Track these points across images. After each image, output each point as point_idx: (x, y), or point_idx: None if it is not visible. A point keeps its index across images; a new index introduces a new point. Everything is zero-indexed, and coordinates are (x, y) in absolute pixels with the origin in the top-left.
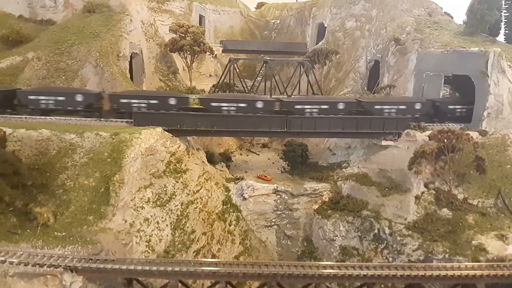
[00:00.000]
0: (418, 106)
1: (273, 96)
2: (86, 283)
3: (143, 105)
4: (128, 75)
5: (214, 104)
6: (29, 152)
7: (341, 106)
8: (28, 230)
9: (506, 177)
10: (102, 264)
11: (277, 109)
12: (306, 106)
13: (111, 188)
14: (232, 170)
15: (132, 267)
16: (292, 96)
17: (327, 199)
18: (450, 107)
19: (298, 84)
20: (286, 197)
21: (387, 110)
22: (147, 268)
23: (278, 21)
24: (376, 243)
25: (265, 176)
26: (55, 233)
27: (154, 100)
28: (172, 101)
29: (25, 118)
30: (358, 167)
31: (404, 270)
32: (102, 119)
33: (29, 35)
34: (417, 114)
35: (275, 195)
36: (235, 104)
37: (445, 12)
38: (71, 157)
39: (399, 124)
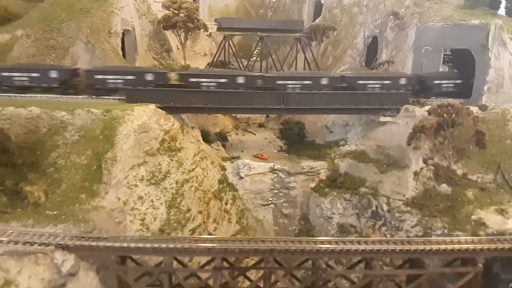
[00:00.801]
0: (403, 81)
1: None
2: (78, 262)
3: (119, 81)
4: (120, 53)
5: (192, 79)
6: (18, 130)
7: (324, 81)
8: (19, 209)
9: (506, 152)
10: (95, 242)
11: (259, 85)
12: (289, 82)
13: (103, 165)
14: (228, 149)
15: (125, 245)
16: (275, 72)
17: (324, 177)
18: (436, 82)
19: (294, 62)
20: (283, 175)
21: (370, 86)
22: (140, 245)
23: None
24: (374, 220)
25: (262, 155)
26: (47, 211)
27: (131, 76)
28: (150, 77)
29: (15, 96)
30: (356, 144)
31: (403, 245)
32: (77, 96)
33: (18, 12)
34: (402, 89)
35: (271, 173)
36: (214, 80)
37: None
38: (62, 135)
39: (398, 99)
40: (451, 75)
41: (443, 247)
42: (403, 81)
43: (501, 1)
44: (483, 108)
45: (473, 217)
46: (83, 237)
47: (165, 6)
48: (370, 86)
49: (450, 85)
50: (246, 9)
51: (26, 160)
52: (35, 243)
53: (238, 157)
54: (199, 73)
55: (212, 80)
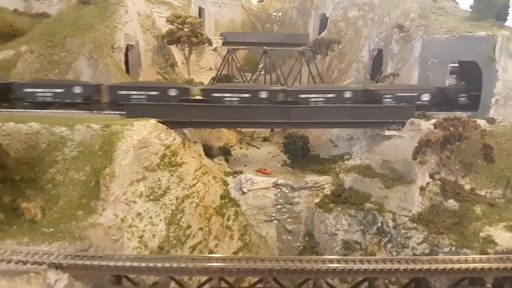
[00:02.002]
0: (426, 97)
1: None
2: (72, 281)
3: (142, 97)
4: (124, 68)
5: (216, 94)
6: (18, 146)
7: (348, 94)
8: (15, 226)
9: None
10: (89, 260)
11: (281, 99)
12: (312, 95)
13: (101, 181)
14: (231, 164)
15: (120, 264)
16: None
17: (328, 192)
18: (461, 94)
19: (299, 75)
20: (286, 190)
21: (390, 98)
22: (136, 264)
23: (280, 14)
24: (380, 237)
25: (265, 170)
26: (43, 229)
27: (154, 92)
28: (173, 92)
29: (15, 112)
30: (361, 158)
31: (407, 264)
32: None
33: (23, 28)
34: (426, 102)
35: (275, 188)
36: (237, 95)
37: None
38: (61, 151)
39: (403, 113)
40: (469, 87)
41: (450, 266)
42: (426, 97)
43: (508, 12)
44: (491, 121)
45: (481, 234)
46: (77, 255)
47: (169, 21)
48: (390, 98)
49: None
50: (252, 24)
51: (24, 176)
52: (28, 262)
53: (241, 172)
54: (222, 88)
55: (235, 95)
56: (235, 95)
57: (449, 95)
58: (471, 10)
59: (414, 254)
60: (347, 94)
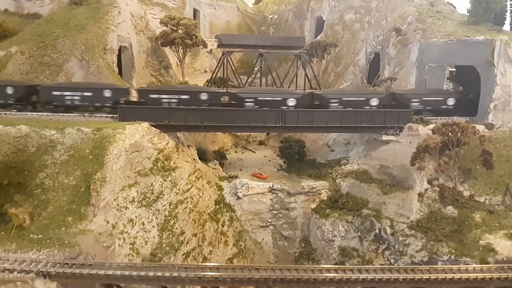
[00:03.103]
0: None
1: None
2: None
3: (174, 100)
4: (116, 69)
5: (248, 100)
6: (6, 149)
7: (374, 102)
8: (2, 233)
9: None
10: (78, 269)
11: (310, 103)
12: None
13: (92, 187)
14: (226, 168)
15: (110, 272)
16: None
17: (325, 198)
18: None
19: (295, 79)
20: (282, 195)
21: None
22: (127, 273)
23: (276, 16)
24: (377, 244)
25: (261, 174)
26: (31, 235)
27: (185, 96)
28: (204, 96)
29: (5, 114)
30: (358, 163)
31: (407, 273)
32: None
33: (14, 29)
34: (450, 107)
35: (271, 193)
36: (270, 98)
37: (447, 2)
38: (51, 155)
39: (401, 117)
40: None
41: (450, 276)
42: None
43: (506, 17)
44: (490, 126)
45: (481, 242)
46: (66, 263)
47: (163, 22)
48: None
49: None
50: (248, 26)
51: (12, 181)
52: (15, 270)
53: (236, 176)
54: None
55: (266, 98)
56: (267, 98)
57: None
58: (468, 14)
59: (412, 262)
60: (374, 102)
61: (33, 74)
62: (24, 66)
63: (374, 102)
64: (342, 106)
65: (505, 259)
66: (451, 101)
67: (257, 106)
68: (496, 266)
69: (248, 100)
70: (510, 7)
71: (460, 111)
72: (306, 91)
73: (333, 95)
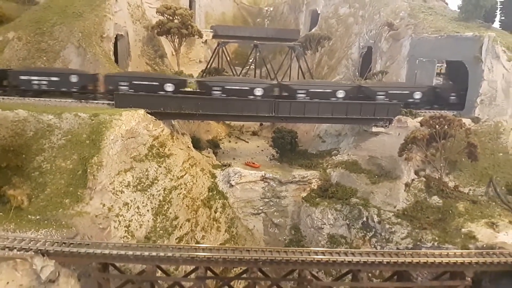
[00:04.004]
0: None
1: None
2: (58, 268)
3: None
4: (113, 57)
5: (300, 92)
6: (4, 133)
7: (417, 95)
8: (1, 213)
9: (498, 165)
10: (76, 248)
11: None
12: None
13: (88, 170)
14: (220, 157)
15: (107, 252)
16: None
17: (315, 187)
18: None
19: (289, 70)
20: (274, 184)
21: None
22: (122, 252)
23: (271, 8)
24: (365, 231)
25: (253, 163)
26: (29, 216)
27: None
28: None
29: (2, 99)
30: (348, 154)
31: (391, 257)
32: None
33: (10, 14)
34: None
35: (263, 182)
36: (321, 90)
37: None
38: (49, 139)
39: (391, 110)
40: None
41: (431, 260)
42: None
43: (496, 14)
44: (476, 120)
45: (463, 230)
46: (64, 242)
47: (159, 12)
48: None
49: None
50: (243, 17)
51: (10, 164)
52: (15, 248)
53: (229, 165)
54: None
55: (318, 90)
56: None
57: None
58: (459, 10)
59: (397, 249)
60: (417, 95)
61: (30, 60)
62: (21, 52)
63: (341, 94)
64: (309, 97)
65: (484, 245)
66: (417, 95)
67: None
68: (476, 251)
69: (215, 88)
70: (499, 5)
71: (429, 105)
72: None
73: (300, 87)
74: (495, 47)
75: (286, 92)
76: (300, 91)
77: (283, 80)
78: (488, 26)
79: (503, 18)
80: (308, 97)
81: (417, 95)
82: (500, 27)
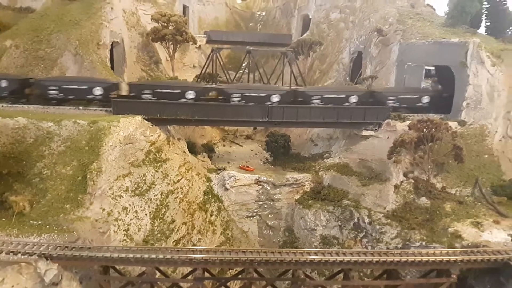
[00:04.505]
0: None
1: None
2: (61, 271)
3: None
4: (109, 64)
5: (315, 97)
6: (5, 140)
7: (425, 100)
8: (3, 219)
9: (484, 167)
10: (78, 251)
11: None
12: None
13: (88, 176)
14: (214, 161)
15: (108, 255)
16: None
17: (308, 189)
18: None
19: (281, 75)
20: (268, 187)
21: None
22: (123, 255)
23: (263, 13)
24: (356, 232)
25: (248, 167)
26: (31, 221)
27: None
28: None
29: (2, 106)
30: (339, 157)
31: (380, 256)
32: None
33: (7, 22)
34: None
35: (257, 185)
36: (333, 97)
37: (427, 4)
38: (48, 146)
39: (380, 114)
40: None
41: (418, 258)
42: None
43: (481, 20)
44: (462, 123)
45: (449, 229)
46: (66, 246)
47: (154, 19)
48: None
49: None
50: (236, 22)
51: (11, 170)
52: (19, 252)
53: (224, 169)
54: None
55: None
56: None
57: None
58: (445, 17)
59: (387, 249)
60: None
61: (28, 67)
62: (19, 60)
63: (354, 99)
64: (323, 103)
65: (469, 244)
66: (353, 99)
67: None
68: (461, 250)
69: (234, 95)
70: (485, 11)
71: (435, 109)
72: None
73: (316, 93)
74: (480, 52)
75: (301, 98)
76: (315, 97)
77: (296, 86)
78: (474, 32)
79: (488, 23)
80: (323, 103)
81: (353, 99)
82: (485, 32)
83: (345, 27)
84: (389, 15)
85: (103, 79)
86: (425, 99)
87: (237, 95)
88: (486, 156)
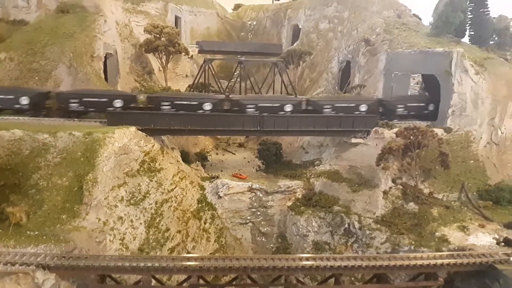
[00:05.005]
0: None
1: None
2: (59, 281)
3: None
4: (103, 76)
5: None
6: (1, 152)
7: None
8: (0, 230)
9: (469, 172)
10: (75, 261)
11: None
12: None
13: (84, 187)
14: (208, 169)
15: (104, 264)
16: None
17: (300, 196)
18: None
19: (273, 84)
20: (260, 194)
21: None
22: (119, 264)
23: (254, 23)
24: (347, 237)
25: (240, 175)
26: (28, 232)
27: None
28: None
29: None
30: (330, 164)
31: (369, 261)
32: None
33: (1, 35)
34: None
35: (250, 193)
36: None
37: (413, 14)
38: (44, 157)
39: (368, 122)
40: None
41: (406, 262)
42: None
43: (466, 29)
44: (448, 130)
45: (437, 233)
46: (63, 256)
47: (147, 30)
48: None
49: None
50: (227, 32)
51: (8, 182)
52: (16, 263)
53: (217, 177)
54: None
55: (343, 105)
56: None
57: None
58: (431, 26)
59: (377, 253)
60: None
61: (22, 80)
62: (14, 72)
63: (363, 108)
64: (335, 112)
65: (456, 248)
66: (431, 107)
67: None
68: (447, 253)
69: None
70: (468, 21)
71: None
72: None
73: (327, 102)
74: (464, 61)
75: (311, 107)
76: (326, 107)
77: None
78: (458, 41)
79: (472, 33)
80: (334, 111)
81: (431, 106)
82: (469, 41)
83: (333, 37)
84: (376, 25)
85: (122, 91)
86: (431, 107)
87: (251, 106)
88: (472, 161)
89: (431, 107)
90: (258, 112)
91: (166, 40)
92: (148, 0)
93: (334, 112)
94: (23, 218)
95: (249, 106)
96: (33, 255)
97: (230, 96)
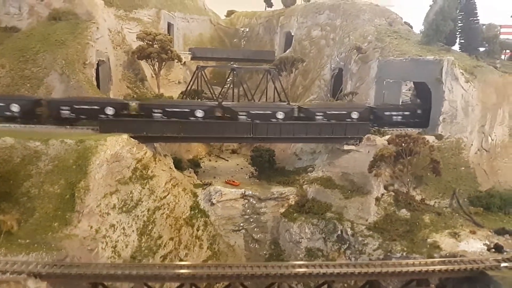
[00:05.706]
0: None
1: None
2: None
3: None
4: (95, 83)
5: None
6: None
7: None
8: None
9: (461, 179)
10: (67, 269)
11: None
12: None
13: (76, 194)
14: (200, 176)
15: (96, 271)
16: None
17: (293, 203)
18: None
19: (265, 91)
20: (253, 201)
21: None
22: (112, 272)
23: (247, 29)
24: (339, 244)
25: (233, 181)
26: (19, 240)
27: None
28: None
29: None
30: (323, 171)
31: (362, 268)
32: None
33: None
34: None
35: (243, 199)
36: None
37: (405, 22)
38: (36, 165)
39: (360, 129)
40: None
41: (398, 269)
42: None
43: (456, 37)
44: (439, 137)
45: (428, 240)
46: (55, 264)
47: (139, 37)
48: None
49: None
50: (220, 38)
51: None
52: (7, 271)
53: (210, 184)
54: (317, 107)
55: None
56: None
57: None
58: (421, 35)
59: (370, 259)
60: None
61: (14, 87)
62: (5, 79)
63: (355, 115)
64: (326, 119)
65: (447, 254)
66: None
67: None
68: (439, 260)
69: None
70: (458, 29)
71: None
72: None
73: (318, 110)
74: (454, 69)
75: (304, 114)
76: (318, 114)
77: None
78: (448, 49)
79: (462, 41)
80: (326, 119)
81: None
82: (459, 49)
83: (326, 44)
84: (368, 33)
85: (114, 98)
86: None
87: (243, 113)
88: (463, 168)
89: (419, 110)
90: (250, 119)
91: (158, 47)
92: (140, 7)
93: (326, 119)
94: (14, 226)
95: (241, 113)
96: (24, 263)
97: (222, 103)
